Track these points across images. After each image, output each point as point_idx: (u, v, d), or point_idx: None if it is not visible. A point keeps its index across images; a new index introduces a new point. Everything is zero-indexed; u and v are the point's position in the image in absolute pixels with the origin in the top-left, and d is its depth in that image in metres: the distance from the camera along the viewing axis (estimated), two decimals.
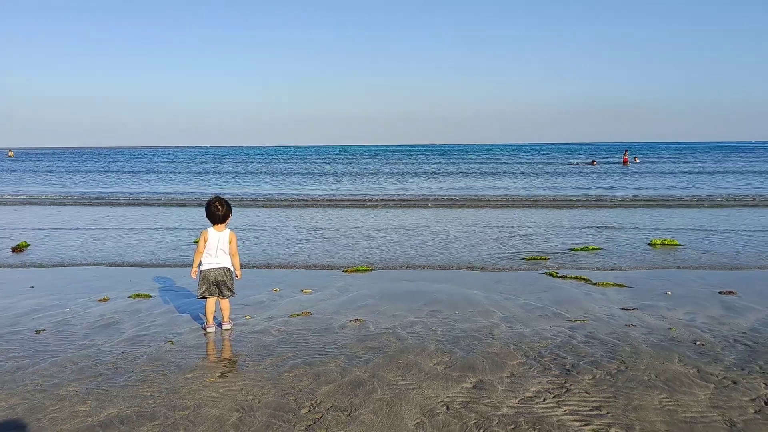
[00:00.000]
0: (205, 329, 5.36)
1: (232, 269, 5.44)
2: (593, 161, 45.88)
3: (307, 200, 19.15)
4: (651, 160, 51.09)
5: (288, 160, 60.59)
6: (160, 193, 23.09)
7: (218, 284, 5.33)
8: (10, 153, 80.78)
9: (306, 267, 8.41)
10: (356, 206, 17.61)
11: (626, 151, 47.85)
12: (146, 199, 20.06)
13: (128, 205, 18.16)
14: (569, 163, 45.22)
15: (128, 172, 38.83)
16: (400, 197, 20.22)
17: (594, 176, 30.65)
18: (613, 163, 45.08)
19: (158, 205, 18.23)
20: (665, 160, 52.34)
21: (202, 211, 5.66)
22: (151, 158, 73.10)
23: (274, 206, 17.68)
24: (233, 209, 5.62)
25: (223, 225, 5.39)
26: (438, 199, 19.34)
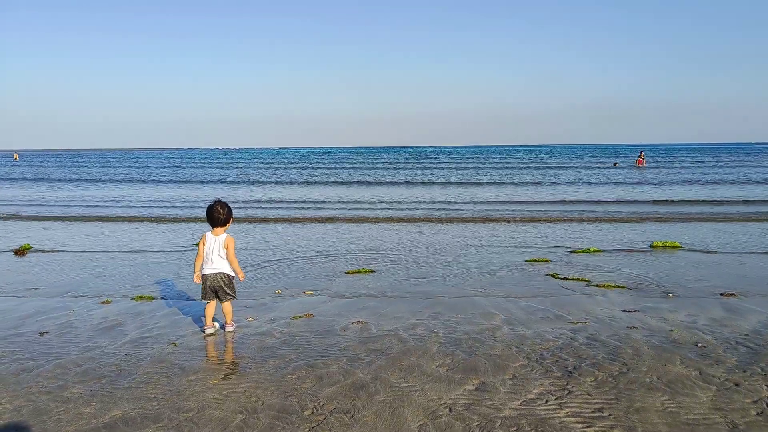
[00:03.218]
0: (203, 331, 5.37)
1: (230, 273, 5.40)
2: (615, 163, 46.06)
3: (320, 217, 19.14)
4: (651, 163, 50.94)
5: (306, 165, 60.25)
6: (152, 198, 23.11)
7: (215, 290, 5.32)
8: (15, 156, 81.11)
9: (308, 269, 8.41)
10: (354, 212, 17.62)
11: (641, 152, 47.79)
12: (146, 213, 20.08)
13: (129, 220, 18.16)
14: (614, 164, 45.39)
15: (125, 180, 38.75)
16: (399, 203, 20.23)
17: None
18: (629, 167, 44.70)
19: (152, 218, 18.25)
20: (669, 162, 52.35)
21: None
22: (143, 161, 73.00)
23: (273, 220, 17.69)
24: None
25: (222, 229, 5.37)
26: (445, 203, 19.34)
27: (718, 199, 17.61)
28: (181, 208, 18.03)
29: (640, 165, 43.17)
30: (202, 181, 32.04)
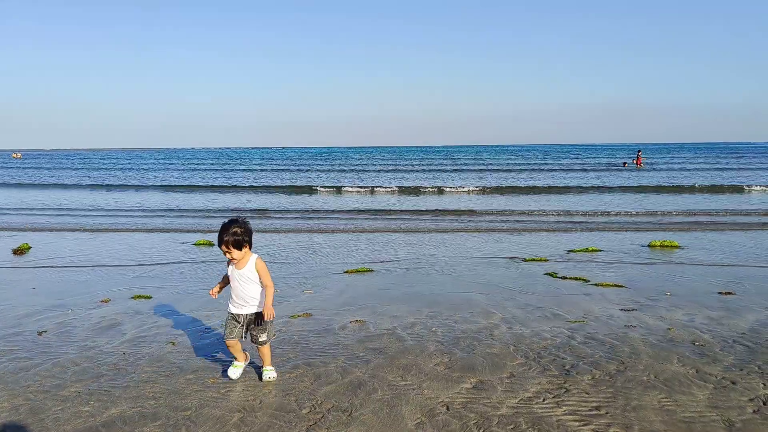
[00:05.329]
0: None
1: None
2: (624, 162, 45.25)
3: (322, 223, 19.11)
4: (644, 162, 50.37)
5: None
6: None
7: None
8: (15, 155, 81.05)
9: (306, 268, 8.41)
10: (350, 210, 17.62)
11: (639, 151, 47.27)
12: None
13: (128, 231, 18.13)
14: (623, 164, 44.65)
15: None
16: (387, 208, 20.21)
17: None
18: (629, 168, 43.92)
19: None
20: (667, 161, 52.27)
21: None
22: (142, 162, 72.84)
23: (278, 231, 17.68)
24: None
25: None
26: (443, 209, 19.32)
27: (724, 209, 17.10)
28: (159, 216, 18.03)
29: (639, 165, 42.95)
30: (213, 187, 32.02)
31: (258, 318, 4.23)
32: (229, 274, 4.24)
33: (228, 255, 4.11)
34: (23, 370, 4.44)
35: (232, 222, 4.12)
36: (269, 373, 4.30)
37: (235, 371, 4.29)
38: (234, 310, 4.24)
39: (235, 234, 4.06)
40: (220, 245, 4.11)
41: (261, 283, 4.19)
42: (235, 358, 4.35)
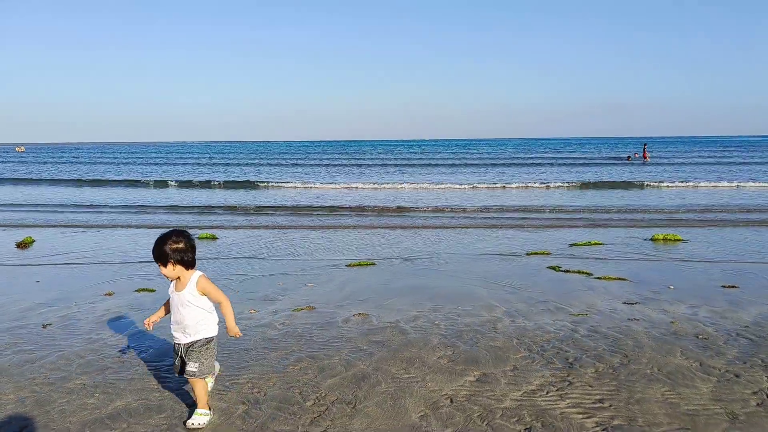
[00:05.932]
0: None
1: None
2: (628, 156, 44.42)
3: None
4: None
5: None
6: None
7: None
8: (19, 149, 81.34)
9: (309, 262, 8.43)
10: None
11: (645, 145, 46.50)
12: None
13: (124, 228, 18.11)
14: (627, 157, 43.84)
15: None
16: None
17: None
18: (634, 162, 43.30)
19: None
20: (668, 155, 52.09)
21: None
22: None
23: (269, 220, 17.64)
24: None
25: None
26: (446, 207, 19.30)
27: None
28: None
29: (646, 159, 42.59)
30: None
31: (190, 348, 3.50)
32: (169, 293, 3.60)
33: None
34: (28, 363, 4.46)
35: (168, 233, 3.47)
36: (197, 418, 3.41)
37: (195, 420, 3.44)
38: (174, 335, 3.57)
39: (163, 244, 3.39)
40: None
41: (205, 307, 3.53)
42: (196, 404, 3.56)
